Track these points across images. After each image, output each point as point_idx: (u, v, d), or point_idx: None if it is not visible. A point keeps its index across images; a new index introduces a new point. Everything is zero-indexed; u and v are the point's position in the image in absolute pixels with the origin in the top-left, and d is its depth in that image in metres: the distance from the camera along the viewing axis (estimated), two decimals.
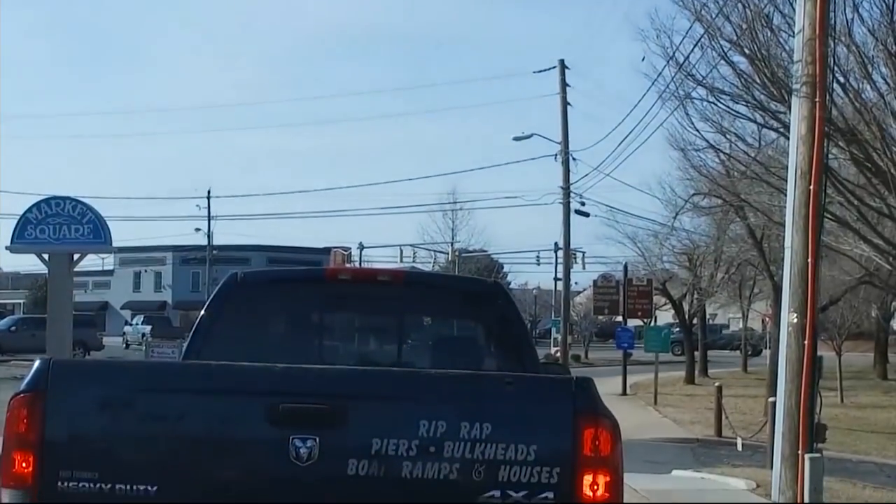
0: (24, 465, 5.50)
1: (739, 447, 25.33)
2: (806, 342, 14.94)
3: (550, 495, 5.46)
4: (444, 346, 8.28)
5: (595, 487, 5.51)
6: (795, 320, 15.06)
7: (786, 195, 16.01)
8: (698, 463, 22.34)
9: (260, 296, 8.00)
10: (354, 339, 8.87)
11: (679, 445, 26.97)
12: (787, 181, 15.91)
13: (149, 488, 5.49)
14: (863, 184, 19.10)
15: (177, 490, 5.53)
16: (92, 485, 5.47)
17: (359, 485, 5.48)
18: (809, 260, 14.86)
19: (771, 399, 19.37)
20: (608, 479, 5.54)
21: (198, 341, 7.58)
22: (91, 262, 68.83)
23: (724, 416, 29.51)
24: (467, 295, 8.43)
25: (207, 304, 7.87)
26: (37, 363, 5.74)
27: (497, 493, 5.46)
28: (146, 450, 5.60)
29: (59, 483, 5.49)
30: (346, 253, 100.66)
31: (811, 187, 14.81)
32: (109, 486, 5.47)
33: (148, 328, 72.54)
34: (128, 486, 5.48)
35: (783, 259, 15.95)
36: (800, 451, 14.80)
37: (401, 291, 8.19)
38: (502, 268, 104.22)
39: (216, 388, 5.70)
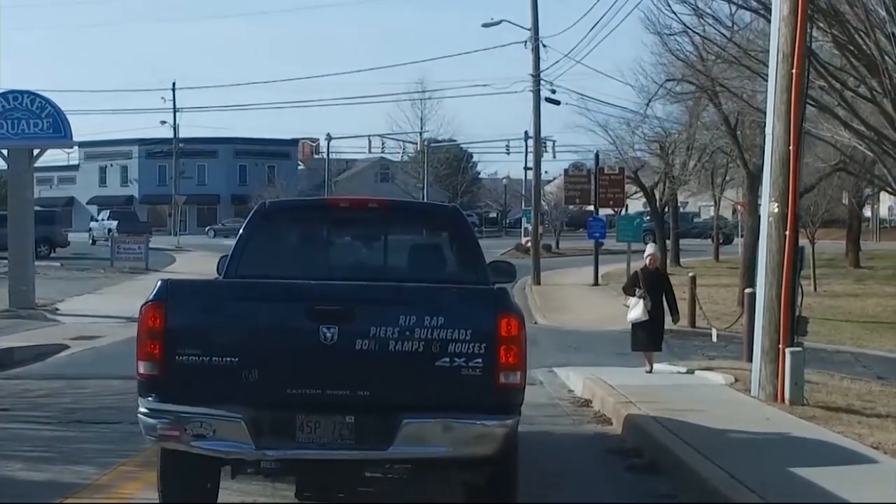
0: (153, 346, 8.59)
1: (714, 338, 25.10)
2: (787, 232, 14.59)
3: (480, 361, 8.47)
4: (416, 254, 11.27)
5: (508, 356, 8.50)
6: (776, 209, 14.65)
7: (763, 79, 15.45)
8: (672, 355, 22.01)
9: (282, 219, 11.16)
10: (352, 249, 11.81)
11: None
12: (764, 64, 15.34)
13: (232, 359, 8.56)
14: (844, 67, 18.50)
15: (249, 361, 8.56)
16: (197, 358, 8.54)
17: (363, 355, 8.50)
18: (791, 147, 14.41)
19: (748, 290, 18.97)
20: (516, 349, 8.53)
21: (238, 253, 10.61)
22: (56, 156, 67.72)
23: (697, 307, 29.26)
24: (433, 217, 11.81)
25: (244, 225, 10.95)
26: (158, 283, 8.77)
27: (447, 360, 8.48)
28: (230, 336, 8.65)
29: (176, 357, 8.56)
30: (313, 144, 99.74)
31: (793, 71, 14.35)
32: (208, 358, 8.54)
33: (114, 223, 71.62)
34: (219, 358, 8.55)
35: (764, 146, 15.43)
36: (780, 346, 14.49)
37: (385, 215, 11.35)
38: (471, 157, 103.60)
39: (274, 297, 8.85)
